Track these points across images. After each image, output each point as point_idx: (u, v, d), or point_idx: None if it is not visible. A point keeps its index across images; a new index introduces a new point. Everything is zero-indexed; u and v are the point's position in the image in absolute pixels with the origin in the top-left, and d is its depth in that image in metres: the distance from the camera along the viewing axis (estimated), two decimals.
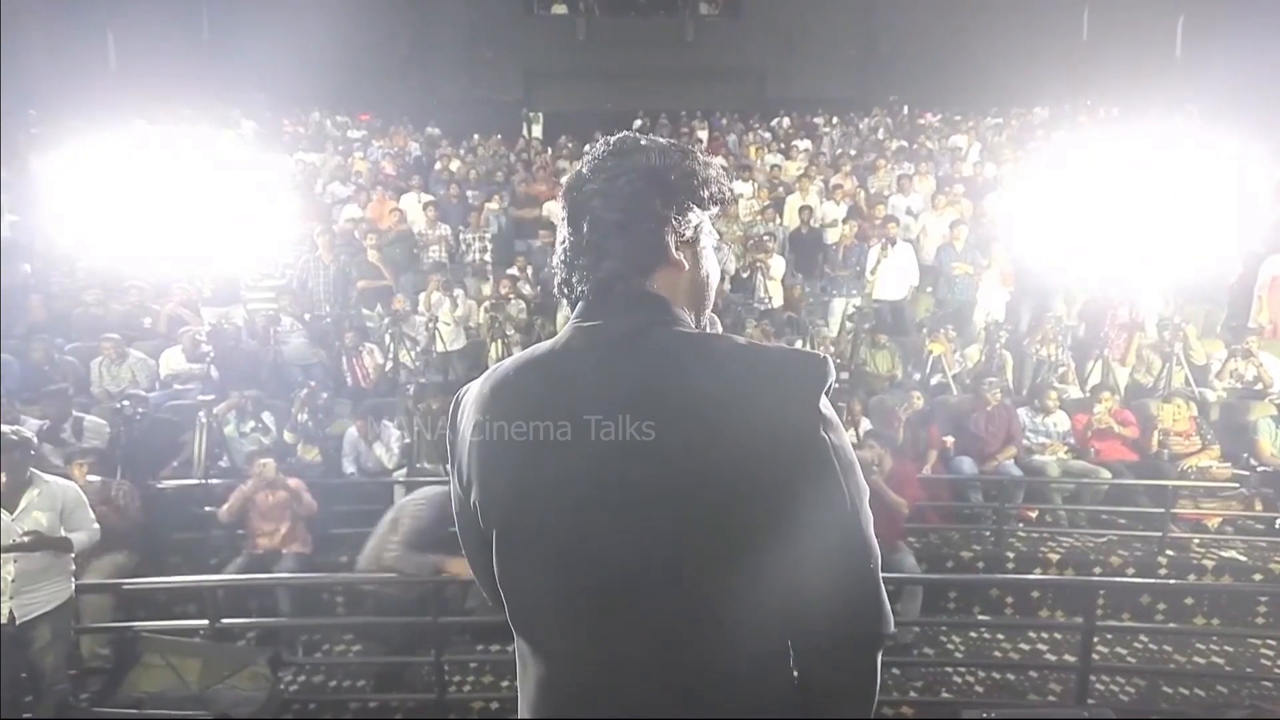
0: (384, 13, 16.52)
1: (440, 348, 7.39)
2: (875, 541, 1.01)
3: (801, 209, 9.19)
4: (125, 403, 5.66)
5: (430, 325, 7.30)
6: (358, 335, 7.27)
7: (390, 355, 7.09)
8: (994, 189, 9.82)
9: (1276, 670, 4.78)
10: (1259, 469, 5.64)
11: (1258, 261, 7.06)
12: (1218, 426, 6.16)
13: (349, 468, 5.99)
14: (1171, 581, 5.35)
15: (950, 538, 5.78)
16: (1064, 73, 15.01)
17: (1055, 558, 5.52)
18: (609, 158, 1.08)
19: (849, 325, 7.96)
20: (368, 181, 10.67)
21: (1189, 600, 5.31)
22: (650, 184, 1.06)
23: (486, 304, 7.75)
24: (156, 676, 3.77)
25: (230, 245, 5.30)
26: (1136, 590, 5.32)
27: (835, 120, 14.82)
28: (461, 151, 12.86)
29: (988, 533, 5.79)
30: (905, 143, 12.88)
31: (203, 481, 5.48)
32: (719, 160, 1.15)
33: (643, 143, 1.09)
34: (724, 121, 15.13)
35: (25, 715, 3.60)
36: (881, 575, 1.03)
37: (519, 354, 1.12)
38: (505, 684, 4.40)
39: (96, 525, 3.79)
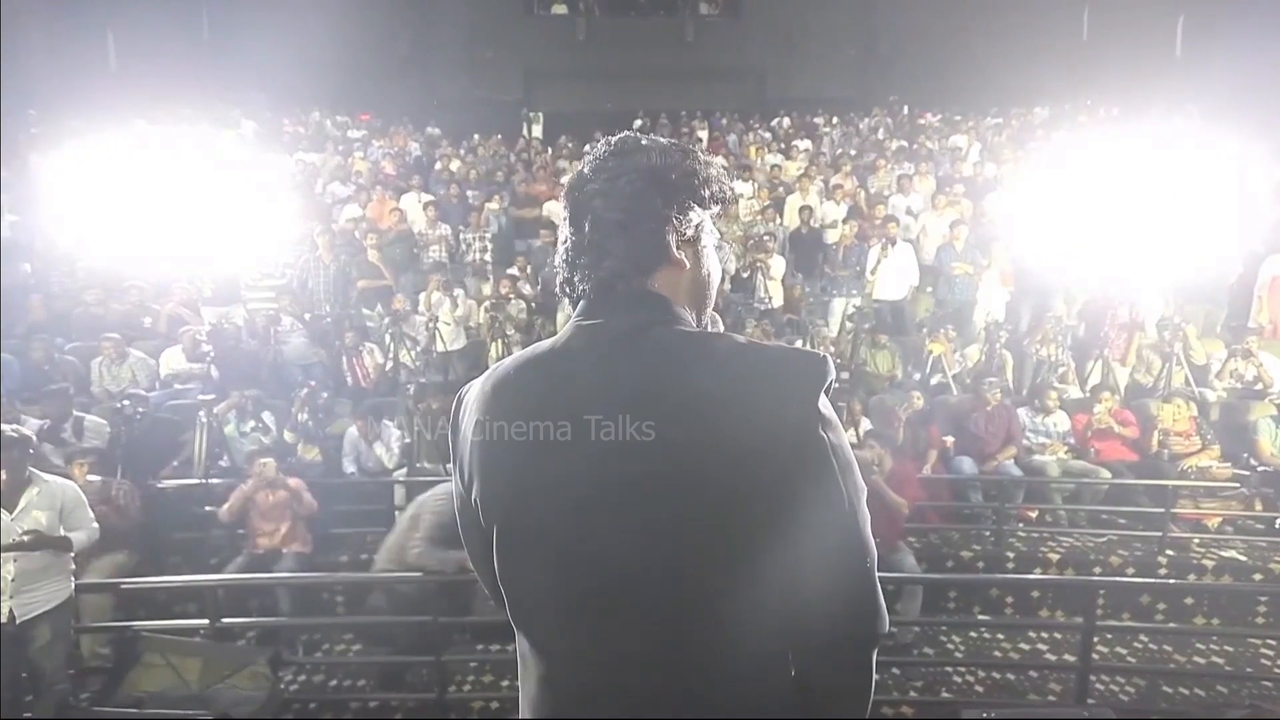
0: (384, 13, 16.53)
1: (440, 347, 7.39)
2: (872, 541, 1.01)
3: (802, 209, 9.19)
4: (125, 402, 5.66)
5: (430, 325, 7.30)
6: (358, 335, 7.27)
7: (390, 355, 7.09)
8: (994, 189, 9.83)
9: (1276, 670, 4.78)
10: (1259, 469, 5.65)
11: (1258, 261, 7.06)
12: (1218, 426, 6.17)
13: (349, 467, 5.99)
14: (1171, 581, 5.36)
15: (950, 537, 5.78)
16: (1064, 73, 15.02)
17: (1055, 557, 5.52)
18: (610, 157, 1.08)
19: (849, 325, 7.97)
20: (368, 181, 10.68)
21: (1189, 600, 5.31)
22: (651, 183, 1.06)
23: (487, 304, 7.76)
24: (157, 676, 3.77)
25: (230, 245, 5.30)
26: (1136, 590, 5.32)
27: (835, 120, 14.82)
28: (461, 151, 12.86)
29: (988, 533, 5.79)
30: (905, 143, 12.88)
31: (203, 481, 5.48)
32: (720, 160, 1.15)
33: (644, 142, 1.10)
34: (724, 121, 15.13)
35: (25, 715, 3.60)
36: (882, 575, 1.03)
37: (520, 352, 1.12)
38: (505, 684, 4.40)
39: (96, 525, 3.80)
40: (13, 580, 3.46)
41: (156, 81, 12.46)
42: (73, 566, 3.73)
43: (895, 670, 4.62)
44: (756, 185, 10.21)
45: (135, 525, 4.92)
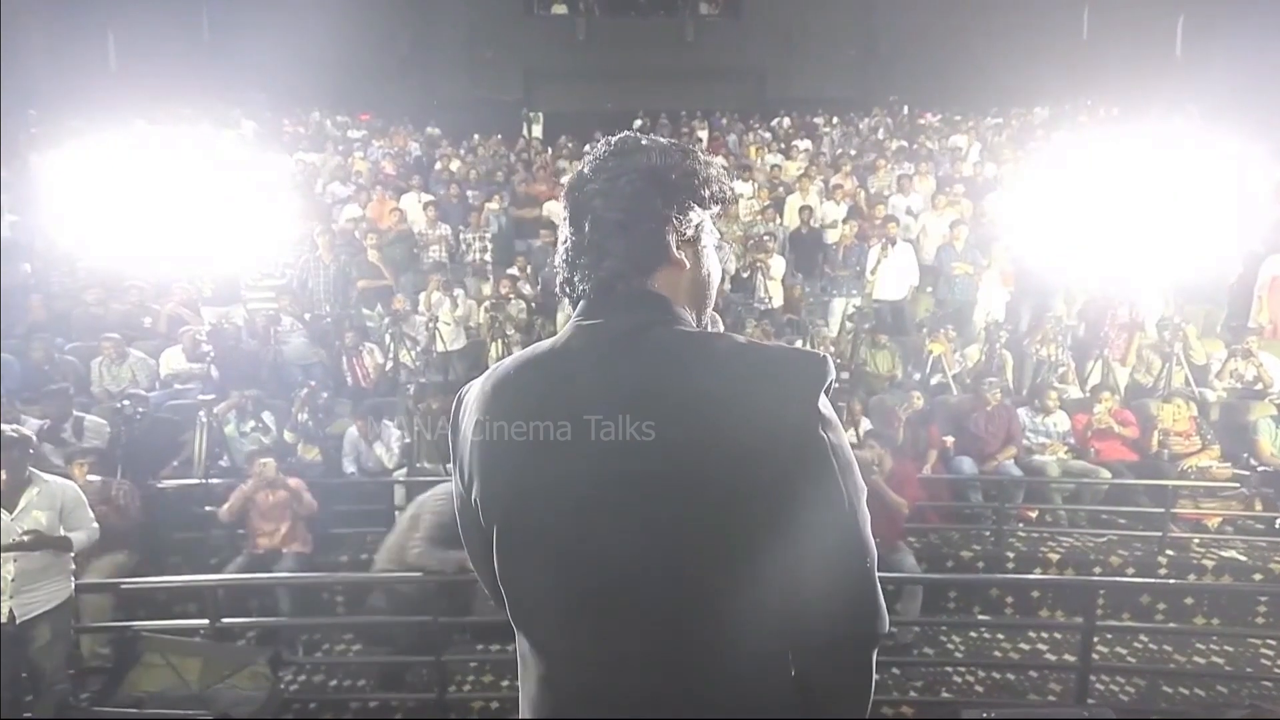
0: (384, 13, 16.53)
1: (440, 347, 7.39)
2: (872, 541, 1.01)
3: (802, 209, 9.19)
4: (125, 402, 5.66)
5: (430, 325, 7.30)
6: (358, 335, 7.27)
7: (390, 355, 7.09)
8: (994, 189, 9.83)
9: (1276, 670, 4.78)
10: (1259, 469, 5.64)
11: (1258, 261, 7.06)
12: (1218, 426, 6.17)
13: (349, 467, 5.99)
14: (1171, 581, 5.36)
15: (950, 537, 5.78)
16: (1064, 73, 15.02)
17: (1055, 557, 5.52)
18: (610, 157, 1.08)
19: (849, 325, 7.97)
20: (368, 181, 10.67)
21: (1189, 600, 5.31)
22: (651, 183, 1.06)
23: (487, 304, 7.76)
24: (157, 676, 3.77)
25: (230, 245, 5.30)
26: (1136, 590, 5.32)
27: (835, 120, 14.82)
28: (461, 151, 12.86)
29: (988, 532, 5.79)
30: (905, 143, 12.88)
31: (203, 481, 5.48)
32: (720, 160, 1.15)
33: (644, 142, 1.10)
34: (724, 121, 15.13)
35: (25, 715, 3.60)
36: (882, 575, 1.03)
37: (520, 352, 1.12)
38: (505, 684, 4.40)
39: (96, 524, 3.80)
40: (13, 580, 3.46)
41: (156, 81, 12.46)
42: (73, 566, 3.73)
43: (895, 670, 4.62)
44: (756, 185, 10.21)
45: (135, 525, 4.92)
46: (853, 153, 12.32)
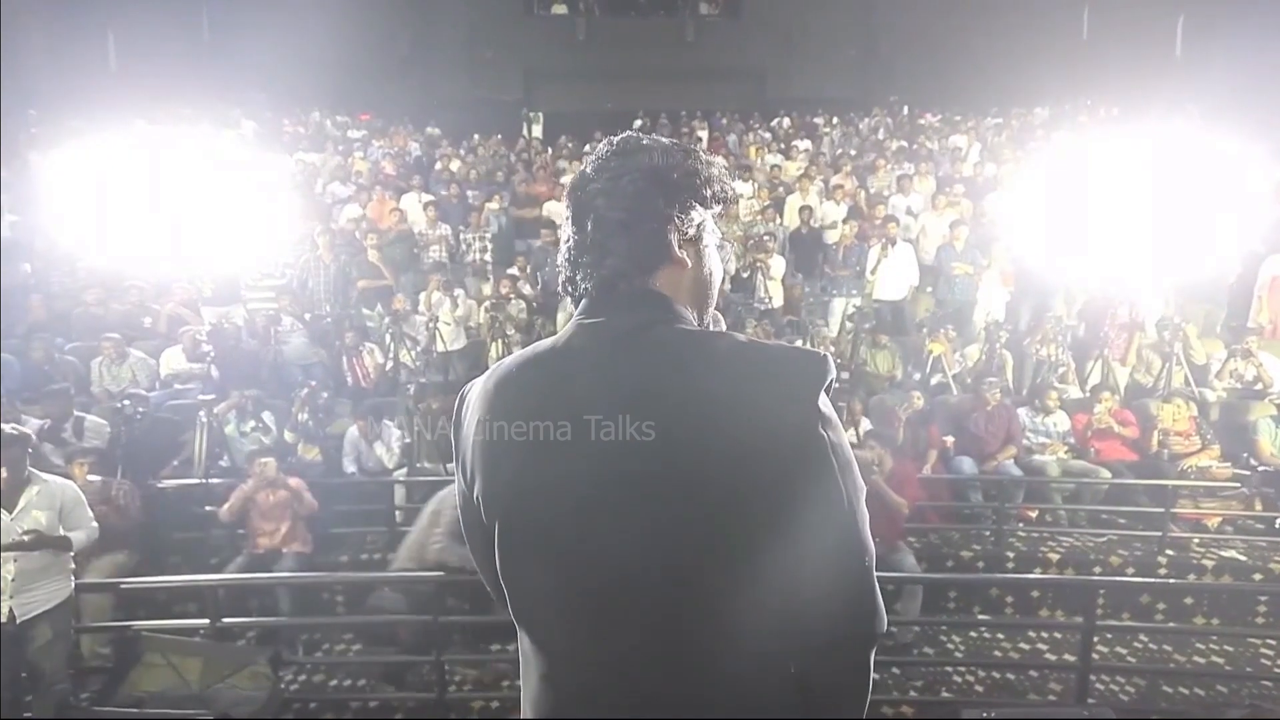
0: (384, 13, 16.53)
1: (440, 347, 7.39)
2: (870, 540, 1.01)
3: (802, 209, 9.19)
4: (126, 402, 5.66)
5: (430, 325, 7.30)
6: (358, 335, 7.28)
7: (390, 355, 7.10)
8: (994, 189, 9.83)
9: (1276, 670, 4.78)
10: (1260, 469, 5.64)
11: (1258, 261, 7.06)
12: (1218, 426, 6.17)
13: (349, 467, 5.99)
14: (1171, 581, 5.36)
15: (950, 537, 5.78)
16: (1064, 73, 15.03)
17: (1055, 557, 5.52)
18: (612, 157, 1.09)
19: (849, 325, 7.97)
20: (368, 181, 10.68)
21: (1189, 600, 5.31)
22: (653, 183, 1.07)
23: (487, 304, 7.76)
24: (157, 676, 3.77)
25: (230, 245, 5.29)
26: (1136, 590, 5.32)
27: (835, 120, 14.82)
28: (462, 151, 12.87)
29: (988, 532, 5.79)
30: (905, 143, 12.88)
31: (203, 481, 5.48)
32: (721, 160, 1.15)
33: (645, 142, 1.10)
34: (724, 121, 15.14)
35: (26, 714, 3.60)
36: (882, 575, 1.03)
37: (522, 351, 1.12)
38: (506, 684, 4.40)
39: (95, 524, 3.80)
40: (12, 580, 3.45)
41: (157, 81, 12.47)
42: (72, 566, 3.73)
43: (895, 670, 4.62)
44: (756, 185, 10.22)
45: (135, 525, 4.92)
46: (853, 153, 12.32)
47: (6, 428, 3.57)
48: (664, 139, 1.12)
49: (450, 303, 7.63)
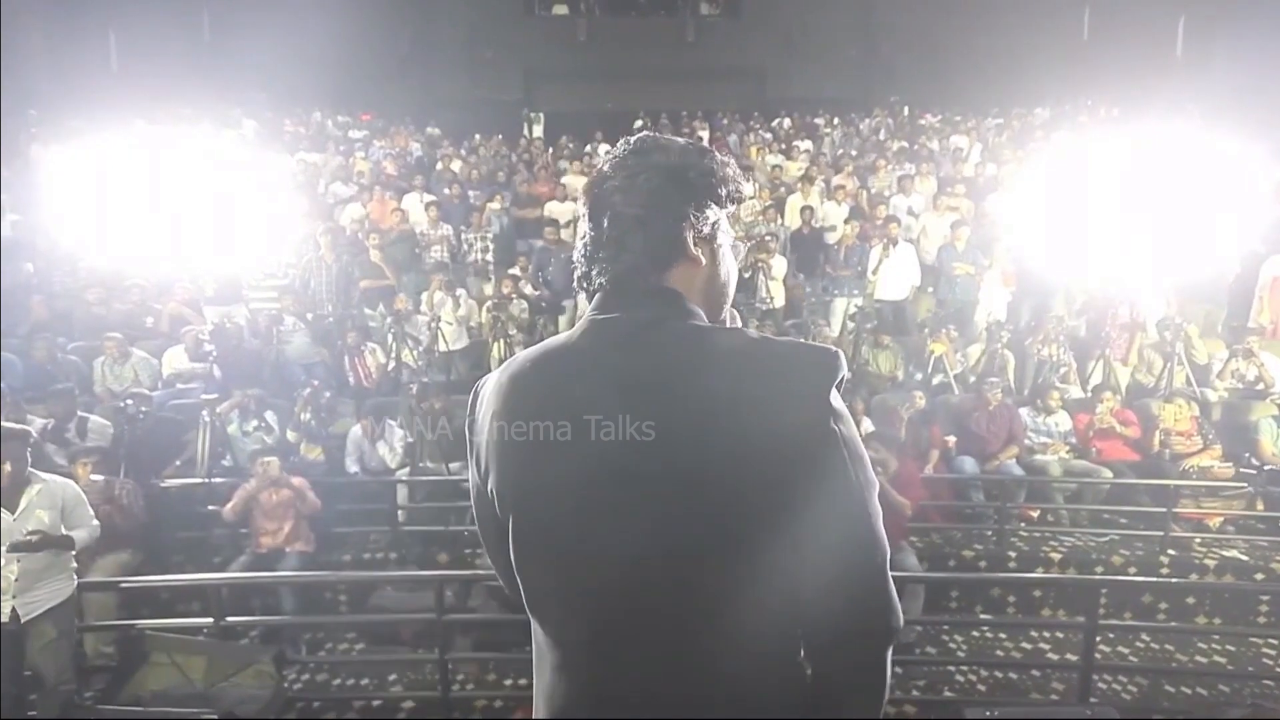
0: (384, 13, 16.52)
1: (443, 347, 7.40)
2: (884, 536, 1.01)
3: (803, 209, 9.20)
4: (128, 402, 5.65)
5: (432, 325, 7.31)
6: (360, 335, 7.28)
7: (393, 355, 7.10)
8: (995, 189, 9.83)
9: (1278, 669, 4.79)
10: (1263, 468, 5.65)
11: (1258, 261, 7.06)
12: (1219, 426, 6.17)
13: (352, 467, 5.99)
14: (1173, 580, 5.37)
15: (952, 537, 5.79)
16: (1064, 73, 15.05)
17: (1057, 557, 5.53)
18: (630, 156, 1.10)
19: (851, 325, 7.97)
20: (369, 181, 10.67)
21: (1191, 599, 5.32)
22: (670, 181, 1.08)
23: (489, 304, 7.76)
24: (161, 675, 3.77)
25: (232, 245, 5.29)
26: (1138, 589, 5.33)
27: (836, 121, 14.82)
28: (463, 151, 12.86)
29: (990, 532, 5.80)
30: (906, 143, 12.87)
31: (206, 480, 5.48)
32: (733, 160, 1.16)
33: (663, 142, 1.12)
34: (725, 121, 15.13)
35: (30, 714, 3.60)
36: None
37: (536, 346, 1.13)
38: (509, 682, 4.41)
39: (96, 522, 3.80)
40: (16, 580, 3.46)
41: (157, 81, 12.48)
42: (74, 565, 3.73)
43: (898, 669, 4.58)
44: (758, 185, 10.20)
45: (138, 524, 4.91)
46: (854, 153, 12.32)
47: (7, 424, 3.57)
48: (680, 139, 1.14)
49: (452, 303, 7.64)
